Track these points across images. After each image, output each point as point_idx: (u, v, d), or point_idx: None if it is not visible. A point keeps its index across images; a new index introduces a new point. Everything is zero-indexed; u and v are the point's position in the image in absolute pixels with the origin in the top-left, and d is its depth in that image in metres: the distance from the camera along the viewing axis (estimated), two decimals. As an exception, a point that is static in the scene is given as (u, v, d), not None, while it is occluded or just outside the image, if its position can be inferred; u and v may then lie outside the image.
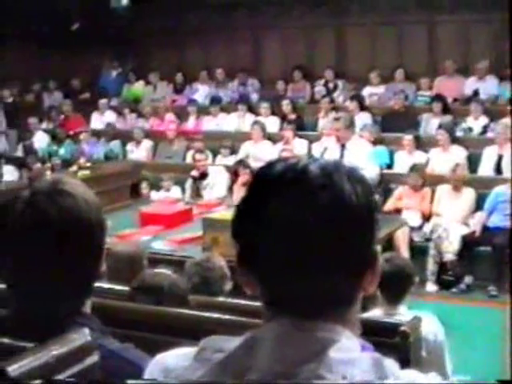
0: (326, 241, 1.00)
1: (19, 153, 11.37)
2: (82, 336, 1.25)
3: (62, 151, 10.99)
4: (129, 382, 1.17)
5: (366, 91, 10.96)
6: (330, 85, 11.29)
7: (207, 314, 2.69)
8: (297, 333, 1.01)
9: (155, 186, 9.77)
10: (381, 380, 0.97)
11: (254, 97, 11.68)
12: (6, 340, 1.30)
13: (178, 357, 1.10)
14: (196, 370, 1.05)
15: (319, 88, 11.23)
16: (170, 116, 11.43)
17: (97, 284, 1.53)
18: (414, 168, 8.28)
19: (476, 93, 10.16)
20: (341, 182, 1.02)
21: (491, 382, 1.11)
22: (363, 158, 7.19)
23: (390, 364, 1.00)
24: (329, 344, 0.99)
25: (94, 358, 1.24)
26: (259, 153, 9.88)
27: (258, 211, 1.03)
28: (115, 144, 11.05)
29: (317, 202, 1.00)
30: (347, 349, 1.00)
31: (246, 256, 1.06)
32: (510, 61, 8.01)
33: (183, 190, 9.46)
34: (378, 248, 1.07)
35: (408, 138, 8.94)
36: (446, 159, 8.49)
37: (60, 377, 1.17)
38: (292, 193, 1.02)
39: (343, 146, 7.35)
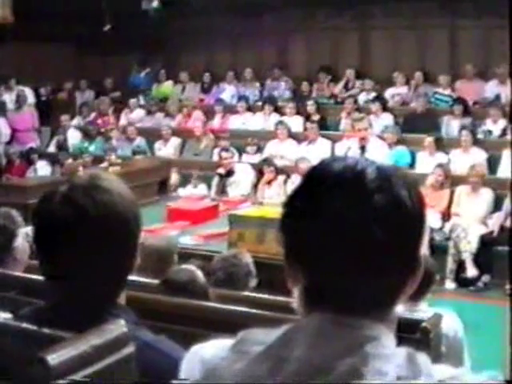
0: (378, 242, 1.01)
1: (52, 149, 11.65)
2: (118, 327, 1.27)
3: (93, 148, 11.19)
4: (174, 382, 1.15)
5: (389, 92, 11.09)
6: (353, 85, 11.46)
7: (235, 308, 2.76)
8: (337, 328, 1.02)
9: (182, 182, 10.00)
10: (414, 374, 0.99)
11: (280, 97, 11.81)
12: (45, 330, 1.32)
13: (215, 348, 1.10)
14: (234, 362, 1.05)
15: (343, 89, 11.41)
16: (197, 114, 11.61)
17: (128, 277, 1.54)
18: (438, 166, 8.42)
19: (497, 97, 10.28)
20: (398, 187, 1.04)
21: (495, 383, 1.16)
22: (383, 158, 7.37)
23: (423, 359, 1.01)
24: (367, 340, 1.00)
25: (130, 349, 1.25)
26: (284, 151, 10.10)
27: (315, 207, 1.03)
28: (140, 141, 11.24)
29: (374, 204, 1.01)
30: (384, 345, 1.01)
31: (297, 250, 1.06)
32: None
33: (209, 187, 9.69)
34: (422, 252, 1.09)
35: (428, 140, 9.08)
36: (466, 160, 8.62)
37: (97, 366, 1.19)
38: (351, 193, 1.02)
39: (363, 147, 7.54)
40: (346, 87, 11.45)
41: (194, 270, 3.29)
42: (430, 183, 8.17)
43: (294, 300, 1.08)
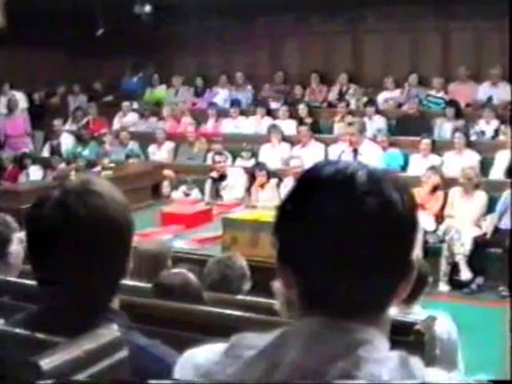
0: (370, 245, 1.01)
1: (45, 153, 11.61)
2: (111, 331, 1.28)
3: (86, 152, 11.18)
4: (151, 382, 1.16)
5: (382, 95, 11.10)
6: (346, 89, 11.47)
7: (229, 311, 2.75)
8: (329, 332, 1.02)
9: (176, 186, 9.99)
10: (407, 378, 0.98)
11: (271, 100, 11.81)
12: (38, 335, 1.32)
13: (208, 353, 1.10)
14: (227, 367, 1.05)
15: (335, 92, 11.43)
16: (186, 119, 11.58)
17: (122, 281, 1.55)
18: (431, 168, 8.45)
19: (490, 98, 10.32)
20: (389, 190, 1.03)
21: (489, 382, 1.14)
22: (376, 161, 7.38)
23: (416, 362, 1.02)
24: (360, 344, 1.00)
25: (123, 354, 1.25)
26: (277, 155, 10.11)
27: (306, 211, 1.03)
28: (133, 145, 11.23)
29: (364, 207, 1.01)
30: (376, 349, 1.01)
31: (288, 253, 1.06)
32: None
33: (201, 191, 9.68)
34: (415, 255, 1.08)
35: (425, 142, 9.11)
36: (459, 163, 8.64)
37: (90, 371, 1.19)
38: (341, 196, 1.02)
39: (355, 151, 7.56)
40: (340, 92, 11.46)
41: (186, 272, 3.29)
42: (424, 185, 8.18)
43: (276, 302, 1.08)
